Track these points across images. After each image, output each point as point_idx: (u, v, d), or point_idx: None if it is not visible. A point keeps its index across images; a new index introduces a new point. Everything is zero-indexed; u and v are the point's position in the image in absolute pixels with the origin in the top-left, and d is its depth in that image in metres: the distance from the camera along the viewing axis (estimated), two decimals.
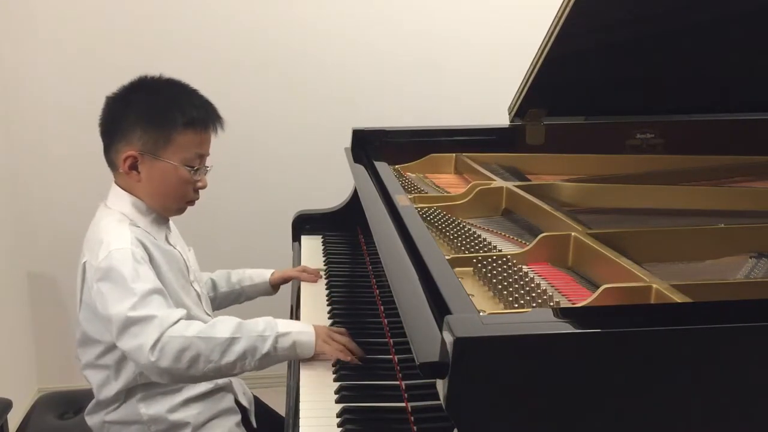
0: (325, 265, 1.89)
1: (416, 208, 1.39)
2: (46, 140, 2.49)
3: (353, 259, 1.95)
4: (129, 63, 2.42)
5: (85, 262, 1.39)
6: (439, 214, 1.47)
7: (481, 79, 2.59)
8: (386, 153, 1.84)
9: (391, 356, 1.39)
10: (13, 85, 2.43)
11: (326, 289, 1.75)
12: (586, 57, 1.67)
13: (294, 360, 1.41)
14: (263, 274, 1.79)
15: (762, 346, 0.81)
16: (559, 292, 1.11)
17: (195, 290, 1.53)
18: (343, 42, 2.55)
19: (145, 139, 1.38)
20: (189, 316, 1.45)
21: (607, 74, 1.73)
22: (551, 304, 1.04)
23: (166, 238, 1.49)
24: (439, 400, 0.79)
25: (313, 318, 1.59)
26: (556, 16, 1.52)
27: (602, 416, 0.80)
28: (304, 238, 2.09)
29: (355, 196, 1.98)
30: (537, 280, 1.14)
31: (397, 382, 1.30)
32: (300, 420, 1.22)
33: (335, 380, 1.33)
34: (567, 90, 1.79)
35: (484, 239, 1.33)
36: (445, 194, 1.67)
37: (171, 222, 1.54)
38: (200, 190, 1.48)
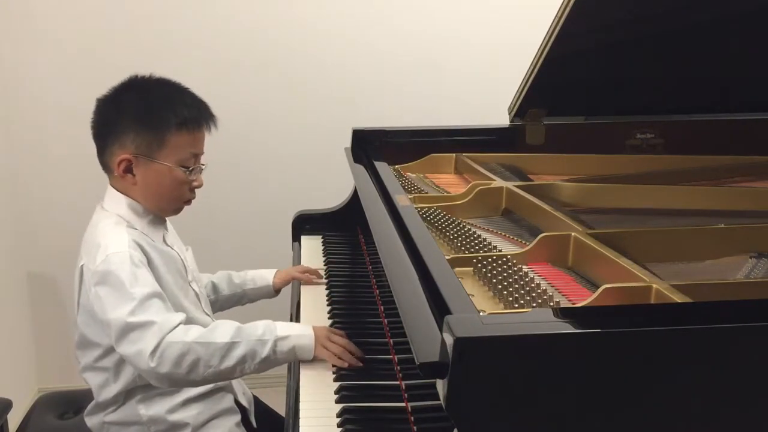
0: (325, 265, 1.89)
1: (416, 208, 1.39)
2: (46, 140, 2.49)
3: (353, 259, 1.95)
4: (129, 63, 2.42)
5: (82, 266, 1.39)
6: (439, 214, 1.47)
7: (481, 79, 2.59)
8: (386, 153, 1.84)
9: (391, 356, 1.39)
10: (13, 85, 2.43)
11: (326, 289, 1.75)
12: (586, 57, 1.67)
13: (294, 362, 1.41)
14: (265, 277, 1.78)
15: (762, 346, 0.81)
16: (559, 292, 1.11)
17: (193, 290, 1.53)
18: (343, 42, 2.55)
19: (138, 141, 1.37)
20: (188, 318, 1.45)
21: (607, 74, 1.73)
22: (551, 304, 1.04)
23: (164, 239, 1.48)
24: (439, 400, 0.79)
25: (313, 318, 1.59)
26: (556, 16, 1.52)
27: (602, 416, 0.80)
28: (304, 238, 2.09)
29: (355, 196, 1.98)
30: (537, 280, 1.14)
31: (397, 382, 1.30)
32: (300, 420, 1.22)
33: (335, 380, 1.33)
34: (567, 90, 1.79)
35: (484, 239, 1.33)
36: (445, 194, 1.67)
37: (168, 222, 1.54)
38: (197, 190, 1.48)
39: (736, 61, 1.71)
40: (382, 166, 1.71)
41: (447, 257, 1.12)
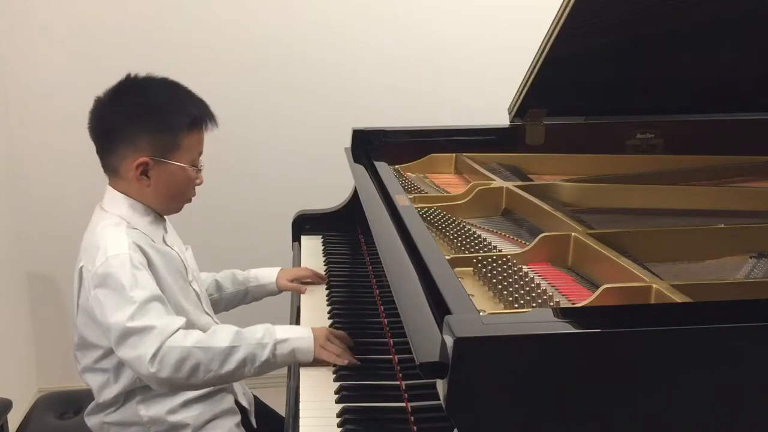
0: (325, 265, 1.89)
1: (416, 208, 1.39)
2: (46, 140, 2.49)
3: (353, 259, 1.95)
4: (129, 63, 2.42)
5: (81, 267, 1.39)
6: (439, 214, 1.47)
7: (481, 79, 2.59)
8: (386, 153, 1.84)
9: (391, 356, 1.39)
10: (13, 85, 2.43)
11: (326, 289, 1.76)
12: (586, 57, 1.67)
13: (294, 365, 1.41)
14: (269, 275, 1.78)
15: (762, 346, 0.81)
16: (559, 292, 1.11)
17: (194, 290, 1.53)
18: (343, 42, 2.55)
19: (155, 144, 1.38)
20: (189, 318, 1.45)
21: (607, 74, 1.73)
22: (551, 304, 1.04)
23: (163, 239, 1.48)
24: (439, 400, 0.79)
25: (313, 318, 1.60)
26: (555, 16, 1.52)
27: (602, 416, 0.80)
28: (304, 238, 2.09)
29: (355, 196, 1.98)
30: (537, 280, 1.14)
31: (397, 382, 1.30)
32: (300, 420, 1.22)
33: (335, 380, 1.33)
34: (567, 90, 1.79)
35: (484, 239, 1.33)
36: (445, 194, 1.67)
37: (168, 222, 1.54)
38: (197, 188, 1.49)
39: (736, 61, 1.71)
40: (382, 166, 1.71)
41: (447, 257, 1.12)
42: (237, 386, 1.60)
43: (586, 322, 0.83)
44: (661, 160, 1.83)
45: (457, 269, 1.13)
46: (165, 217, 1.51)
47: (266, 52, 2.53)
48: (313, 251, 2.00)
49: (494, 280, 1.11)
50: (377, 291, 1.66)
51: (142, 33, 2.45)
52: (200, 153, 1.45)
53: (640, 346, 0.79)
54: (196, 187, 1.48)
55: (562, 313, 0.90)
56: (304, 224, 2.12)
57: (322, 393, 1.29)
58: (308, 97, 2.58)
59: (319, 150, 2.58)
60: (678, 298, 0.96)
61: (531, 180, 1.71)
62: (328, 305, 1.66)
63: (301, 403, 1.27)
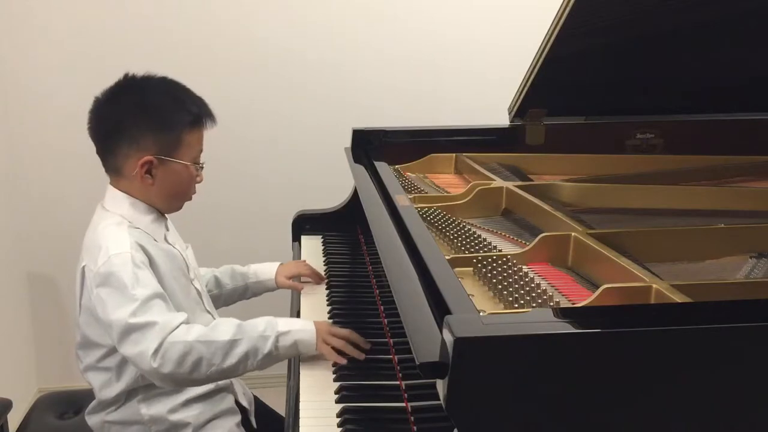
0: (325, 265, 1.89)
1: (416, 208, 1.39)
2: (46, 140, 2.49)
3: (353, 259, 1.95)
4: (129, 63, 2.42)
5: (84, 267, 1.39)
6: (439, 214, 1.47)
7: (481, 79, 2.59)
8: (386, 153, 1.84)
9: (391, 356, 1.39)
10: (13, 85, 2.43)
11: (326, 289, 1.76)
12: (585, 57, 1.67)
13: (295, 358, 1.41)
14: (268, 271, 1.78)
15: (762, 346, 0.81)
16: (559, 292, 1.11)
17: (195, 288, 1.53)
18: (342, 42, 2.55)
19: (159, 143, 1.38)
20: (190, 317, 1.45)
21: (607, 74, 1.73)
22: (551, 304, 1.04)
23: (165, 238, 1.49)
24: (439, 400, 0.79)
25: (313, 317, 1.59)
26: (555, 16, 1.52)
27: (602, 416, 0.80)
28: (304, 238, 2.09)
29: (355, 196, 1.98)
30: (537, 280, 1.14)
31: (397, 382, 1.30)
32: (300, 420, 1.22)
33: (335, 380, 1.33)
34: (567, 90, 1.79)
35: (484, 239, 1.33)
36: (445, 194, 1.67)
37: (169, 221, 1.54)
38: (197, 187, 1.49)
39: (736, 61, 1.71)
40: (382, 166, 1.71)
41: (447, 257, 1.12)
42: (237, 386, 1.60)
43: (586, 322, 0.83)
44: (661, 160, 1.83)
45: (457, 269, 1.13)
46: (166, 215, 1.51)
47: (266, 52, 2.52)
48: (313, 251, 2.00)
49: (494, 280, 1.11)
50: (377, 291, 1.66)
51: (142, 33, 2.45)
52: (201, 151, 1.46)
53: (640, 346, 0.79)
54: (197, 186, 1.48)
55: (562, 313, 0.90)
56: (304, 224, 2.12)
57: (322, 393, 1.29)
58: (308, 97, 2.58)
59: (319, 150, 2.58)
60: (678, 298, 0.96)
61: (531, 180, 1.71)
62: (328, 305, 1.66)
63: (301, 403, 1.27)
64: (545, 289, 1.08)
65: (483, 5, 2.57)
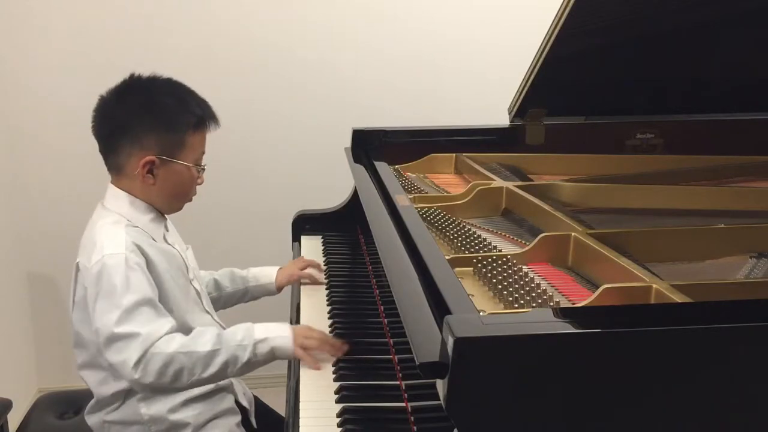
0: (325, 265, 1.89)
1: (416, 208, 1.39)
2: (46, 140, 2.49)
3: (353, 259, 1.95)
4: (129, 63, 2.41)
5: (78, 262, 1.40)
6: (439, 214, 1.47)
7: (481, 79, 2.59)
8: (386, 153, 1.84)
9: (391, 356, 1.39)
10: (14, 85, 2.43)
11: (326, 289, 1.75)
12: (586, 57, 1.67)
13: (293, 363, 1.42)
14: (268, 274, 1.78)
15: (762, 346, 0.81)
16: (559, 292, 1.11)
17: (195, 288, 1.54)
18: (342, 42, 2.55)
19: (162, 144, 1.39)
20: (189, 317, 1.45)
21: (607, 74, 1.73)
22: (551, 304, 1.04)
23: (164, 237, 1.49)
24: (439, 400, 0.79)
25: (313, 318, 1.59)
26: (555, 16, 1.52)
27: (602, 416, 0.80)
28: (304, 238, 2.09)
29: (355, 196, 1.98)
30: (537, 280, 1.14)
31: (397, 382, 1.30)
32: (300, 420, 1.22)
33: (335, 380, 1.33)
34: (567, 90, 1.79)
35: (484, 239, 1.33)
36: (445, 194, 1.67)
37: (169, 221, 1.54)
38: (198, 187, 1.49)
39: (735, 61, 1.71)
40: (382, 166, 1.71)
41: (447, 257, 1.12)
42: (237, 386, 1.60)
43: (586, 322, 0.83)
44: (661, 160, 1.83)
45: (457, 269, 1.13)
46: (166, 216, 1.51)
47: (266, 52, 2.52)
48: (313, 251, 2.00)
49: (494, 280, 1.11)
50: (377, 291, 1.66)
51: (142, 33, 2.45)
52: (203, 153, 1.46)
53: (640, 346, 0.79)
54: (197, 188, 1.48)
55: (562, 313, 0.90)
56: (304, 224, 2.12)
57: (322, 393, 1.29)
58: (308, 97, 2.58)
59: (319, 150, 2.58)
60: (678, 298, 0.96)
61: (531, 180, 1.71)
62: (328, 305, 1.66)
63: (301, 403, 1.27)
64: (545, 289, 1.08)
65: (483, 5, 2.57)
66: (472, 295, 1.00)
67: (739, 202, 1.51)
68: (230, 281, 1.77)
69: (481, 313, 0.86)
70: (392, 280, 1.10)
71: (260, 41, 2.51)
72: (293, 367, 1.41)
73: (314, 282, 1.80)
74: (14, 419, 1.72)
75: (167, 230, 1.52)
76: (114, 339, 1.30)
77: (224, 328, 1.46)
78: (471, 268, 1.19)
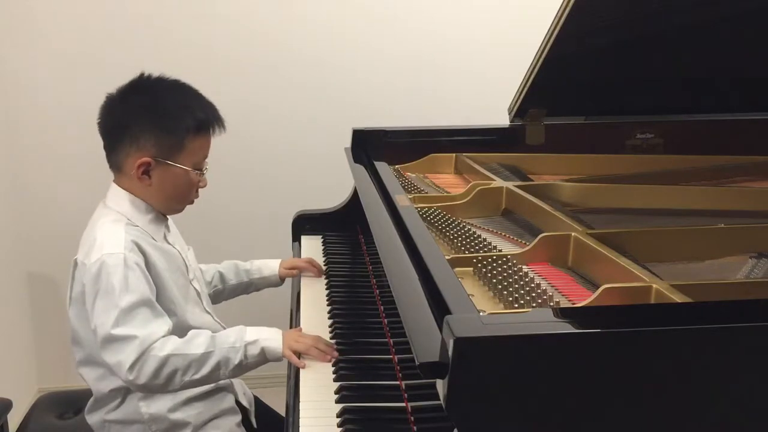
0: (325, 265, 1.89)
1: (416, 208, 1.39)
2: (46, 140, 2.49)
3: (353, 259, 1.95)
4: (130, 62, 2.41)
5: (76, 259, 1.41)
6: (439, 214, 1.47)
7: (481, 79, 2.58)
8: (386, 153, 1.84)
9: (391, 356, 1.39)
10: (14, 85, 2.43)
11: (326, 289, 1.75)
12: (585, 57, 1.67)
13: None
14: (271, 266, 1.80)
15: (762, 346, 0.81)
16: (559, 292, 1.11)
17: (194, 288, 1.54)
18: (343, 42, 2.55)
19: (159, 145, 1.38)
20: (189, 316, 1.45)
21: (607, 74, 1.73)
22: (551, 304, 1.04)
23: (165, 237, 1.49)
24: (439, 400, 0.79)
25: (313, 318, 1.60)
26: (556, 16, 1.52)
27: (602, 416, 0.80)
28: (304, 238, 2.09)
29: (355, 196, 1.98)
30: (537, 280, 1.14)
31: (397, 382, 1.30)
32: (300, 420, 1.22)
33: (335, 380, 1.33)
34: (567, 90, 1.79)
35: (484, 239, 1.33)
36: (445, 194, 1.67)
37: (171, 221, 1.54)
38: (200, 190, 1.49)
39: (735, 61, 1.71)
40: (382, 166, 1.71)
41: (447, 257, 1.12)
42: (237, 386, 1.60)
43: (586, 322, 0.83)
44: (661, 160, 1.83)
45: (457, 269, 1.13)
46: (167, 216, 1.51)
47: (266, 52, 2.52)
48: (313, 251, 2.00)
49: (494, 280, 1.11)
50: (377, 291, 1.66)
51: (143, 33, 2.45)
52: (205, 157, 1.46)
53: (640, 346, 0.79)
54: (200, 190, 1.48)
55: (562, 313, 0.90)
56: (304, 224, 2.12)
57: (322, 393, 1.29)
58: (308, 97, 2.58)
59: (319, 150, 2.58)
60: (678, 298, 0.96)
61: (531, 180, 1.71)
62: (328, 305, 1.66)
63: (301, 403, 1.27)
64: (545, 289, 1.08)
65: (483, 5, 2.57)
66: (472, 295, 1.00)
67: (739, 202, 1.51)
68: (234, 274, 1.78)
69: (481, 313, 0.86)
70: (392, 280, 1.10)
71: (260, 41, 2.51)
72: (293, 367, 1.41)
73: (316, 272, 1.81)
74: (14, 419, 1.72)
75: (168, 230, 1.52)
76: (111, 340, 1.31)
77: (224, 329, 1.46)
78: (471, 268, 1.19)
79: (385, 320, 1.51)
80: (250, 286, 1.80)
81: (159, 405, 1.46)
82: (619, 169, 1.77)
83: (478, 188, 1.56)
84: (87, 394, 1.55)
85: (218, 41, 2.49)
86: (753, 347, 0.81)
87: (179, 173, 1.41)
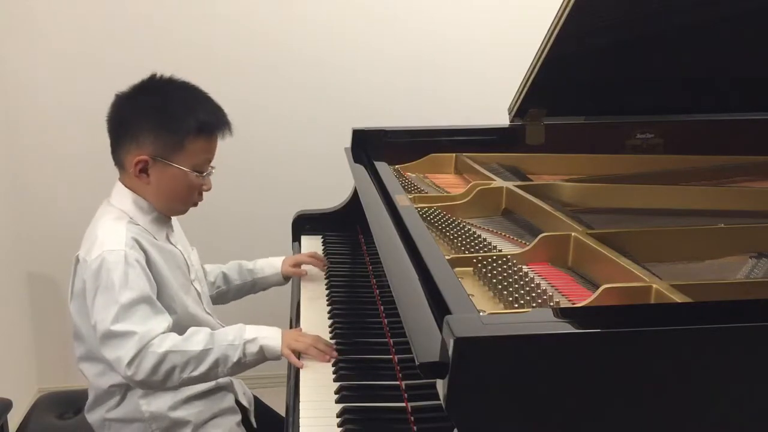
0: (325, 265, 1.89)
1: (416, 208, 1.39)
2: (46, 140, 2.49)
3: (353, 259, 1.95)
4: (130, 62, 2.42)
5: (78, 255, 1.41)
6: (439, 214, 1.47)
7: (481, 79, 2.58)
8: (386, 153, 1.84)
9: (391, 356, 1.39)
10: (14, 85, 2.43)
11: (326, 289, 1.75)
12: (585, 57, 1.67)
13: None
14: (275, 265, 1.79)
15: (762, 346, 0.81)
16: (559, 292, 1.11)
17: (195, 289, 1.54)
18: (343, 42, 2.55)
19: (157, 144, 1.39)
20: (190, 315, 1.46)
21: (607, 74, 1.73)
22: (551, 304, 1.04)
23: (167, 237, 1.49)
24: (439, 400, 0.79)
25: (313, 318, 1.60)
26: (556, 16, 1.52)
27: (602, 416, 0.80)
28: (304, 238, 2.09)
29: (355, 196, 1.98)
30: (537, 280, 1.14)
31: (397, 382, 1.30)
32: (300, 420, 1.22)
33: (335, 380, 1.33)
34: (567, 90, 1.79)
35: (484, 239, 1.33)
36: (445, 194, 1.67)
37: (176, 222, 1.55)
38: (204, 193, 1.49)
39: (735, 61, 1.71)
40: (382, 166, 1.71)
41: (447, 257, 1.12)
42: (237, 386, 1.60)
43: (586, 322, 0.83)
44: (661, 160, 1.83)
45: (457, 269, 1.13)
46: (171, 216, 1.51)
47: (266, 52, 2.52)
48: (313, 251, 1.99)
49: (494, 280, 1.11)
50: (377, 291, 1.66)
51: (143, 33, 2.44)
52: (208, 160, 1.45)
53: (640, 346, 0.79)
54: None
55: (562, 313, 0.90)
56: (304, 224, 2.12)
57: (322, 393, 1.29)
58: (308, 97, 2.57)
59: (319, 150, 2.58)
60: (678, 298, 0.96)
61: (531, 180, 1.71)
62: (328, 305, 1.66)
63: (301, 403, 1.27)
64: (545, 289, 1.08)
65: (483, 5, 2.57)
66: (472, 295, 1.00)
67: (739, 202, 1.51)
68: (238, 274, 1.78)
69: (481, 313, 0.86)
70: (392, 280, 1.10)
71: (260, 41, 2.51)
72: (293, 367, 1.41)
73: (320, 265, 1.80)
74: (14, 419, 1.72)
75: (172, 230, 1.52)
76: (110, 336, 1.31)
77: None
78: (471, 268, 1.19)
79: (385, 320, 1.51)
80: (255, 286, 1.80)
81: (159, 403, 1.46)
82: (619, 169, 1.77)
83: (478, 188, 1.56)
84: (87, 393, 1.55)
85: (218, 41, 2.49)
86: (753, 347, 0.81)
87: (178, 174, 1.41)
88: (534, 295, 1.05)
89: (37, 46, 2.42)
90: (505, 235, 1.41)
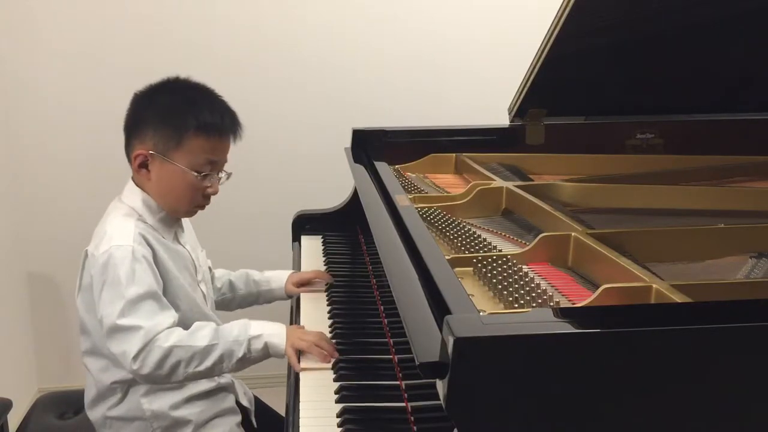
0: (325, 265, 1.89)
1: (416, 208, 1.39)
2: (46, 141, 2.49)
3: (353, 259, 1.95)
4: (130, 63, 2.42)
5: (87, 250, 1.42)
6: (439, 214, 1.47)
7: (481, 79, 2.59)
8: (386, 153, 1.84)
9: (391, 356, 1.39)
10: (14, 86, 2.43)
11: (326, 289, 1.75)
12: (585, 57, 1.67)
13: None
14: (280, 279, 1.77)
15: (762, 346, 0.81)
16: (559, 292, 1.11)
17: (201, 290, 1.55)
18: (342, 42, 2.55)
19: (156, 139, 1.39)
20: (196, 313, 1.46)
21: (607, 74, 1.73)
22: (551, 304, 1.04)
23: (176, 237, 1.50)
24: (439, 400, 0.79)
25: (313, 318, 1.60)
26: (556, 16, 1.52)
27: (602, 416, 0.80)
28: (304, 238, 2.09)
29: (355, 196, 1.98)
30: (537, 280, 1.14)
31: (397, 382, 1.30)
32: (300, 420, 1.22)
33: (335, 380, 1.33)
34: (567, 90, 1.79)
35: (484, 239, 1.33)
36: (445, 194, 1.66)
37: (187, 222, 1.56)
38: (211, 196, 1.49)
39: (736, 61, 1.71)
40: (382, 166, 1.71)
41: (447, 257, 1.12)
42: (238, 386, 1.60)
43: (586, 322, 0.83)
44: (661, 160, 1.83)
45: (457, 269, 1.13)
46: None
47: (266, 52, 2.52)
48: (313, 251, 2.00)
49: (494, 280, 1.11)
50: (377, 291, 1.66)
51: (143, 33, 2.45)
52: (209, 161, 1.43)
53: (640, 346, 0.79)
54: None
55: (562, 313, 0.90)
56: (304, 224, 2.12)
57: (322, 393, 1.29)
58: (308, 97, 2.58)
59: (319, 150, 2.58)
60: (678, 298, 0.96)
61: (531, 180, 1.71)
62: (328, 305, 1.66)
63: (301, 403, 1.27)
64: (545, 289, 1.08)
65: (483, 5, 2.57)
66: (472, 295, 1.00)
67: (739, 202, 1.51)
68: (244, 284, 1.78)
69: (481, 313, 0.86)
70: (392, 280, 1.10)
71: (260, 41, 2.51)
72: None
73: (326, 278, 1.78)
74: (14, 419, 1.72)
75: (182, 230, 1.53)
76: (117, 330, 1.32)
77: None
78: (471, 268, 1.19)
79: (385, 320, 1.51)
80: (260, 298, 1.79)
81: (161, 402, 1.46)
82: (619, 169, 1.77)
83: (478, 188, 1.56)
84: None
85: (218, 41, 2.49)
86: (753, 347, 0.81)
87: (175, 171, 1.41)
88: (534, 295, 1.05)
89: (37, 46, 2.42)
90: (505, 235, 1.41)
